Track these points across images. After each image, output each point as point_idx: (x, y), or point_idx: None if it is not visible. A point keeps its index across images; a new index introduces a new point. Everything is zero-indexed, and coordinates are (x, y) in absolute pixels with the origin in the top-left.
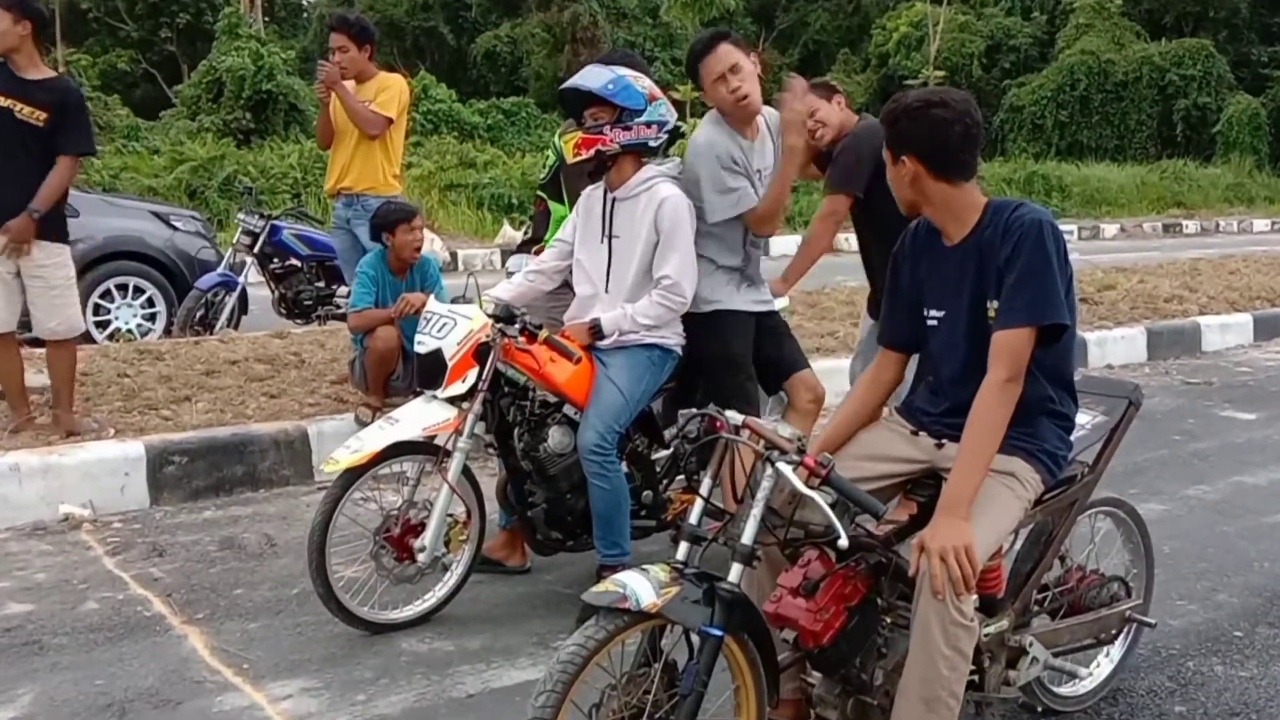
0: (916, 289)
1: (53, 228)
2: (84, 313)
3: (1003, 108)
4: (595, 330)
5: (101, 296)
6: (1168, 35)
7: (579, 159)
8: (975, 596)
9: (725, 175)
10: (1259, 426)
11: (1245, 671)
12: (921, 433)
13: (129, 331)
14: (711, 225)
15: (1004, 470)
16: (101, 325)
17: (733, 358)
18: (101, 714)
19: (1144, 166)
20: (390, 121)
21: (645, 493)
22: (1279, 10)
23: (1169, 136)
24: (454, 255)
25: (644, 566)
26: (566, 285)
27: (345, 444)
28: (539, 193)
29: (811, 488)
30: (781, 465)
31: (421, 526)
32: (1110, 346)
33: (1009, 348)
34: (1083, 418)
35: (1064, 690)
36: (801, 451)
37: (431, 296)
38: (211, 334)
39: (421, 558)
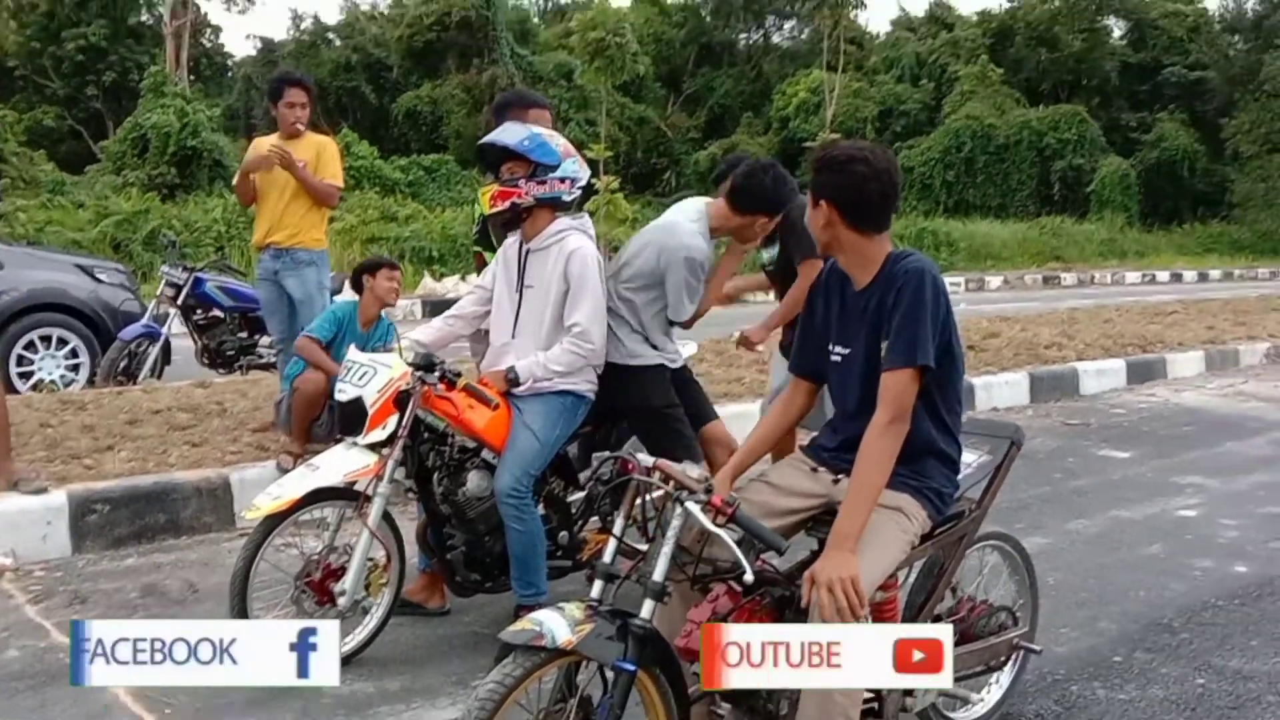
0: (826, 324)
1: None
2: (8, 364)
3: None
4: (510, 377)
5: (25, 348)
6: (1045, 101)
7: (494, 210)
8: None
9: (697, 285)
10: (1133, 464)
11: (1124, 694)
12: (821, 469)
13: (52, 382)
14: (648, 309)
15: (892, 506)
16: (25, 376)
17: (655, 409)
18: None
19: (1025, 223)
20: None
21: (561, 534)
22: (1146, 80)
23: (1047, 195)
24: None
25: (559, 605)
26: None
27: (267, 490)
28: (475, 248)
29: (718, 526)
30: (690, 505)
31: (342, 571)
32: (995, 390)
33: (892, 389)
34: (969, 457)
35: (958, 715)
36: (709, 491)
37: (352, 346)
38: (135, 384)
39: (342, 601)
